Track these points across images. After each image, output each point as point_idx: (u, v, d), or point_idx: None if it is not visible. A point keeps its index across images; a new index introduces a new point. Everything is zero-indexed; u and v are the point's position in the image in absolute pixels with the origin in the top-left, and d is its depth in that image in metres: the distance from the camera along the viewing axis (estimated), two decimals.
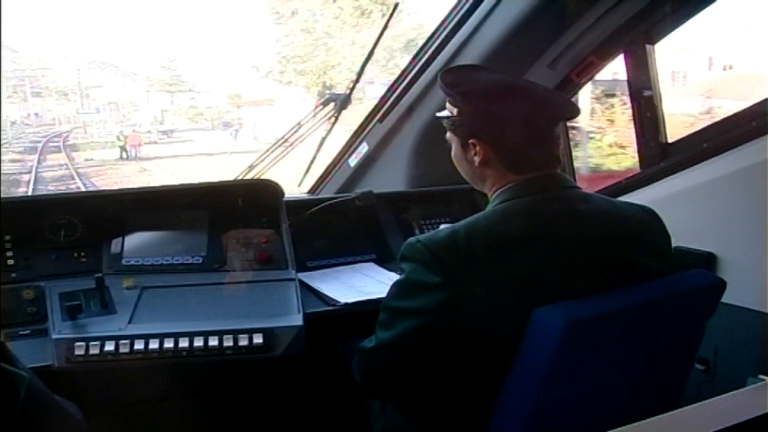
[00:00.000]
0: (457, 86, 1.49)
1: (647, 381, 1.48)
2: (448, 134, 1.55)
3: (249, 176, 2.60)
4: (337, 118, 2.67)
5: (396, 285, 1.44)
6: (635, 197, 2.21)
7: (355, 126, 2.78)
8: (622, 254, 1.41)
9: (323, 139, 2.75)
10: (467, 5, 2.26)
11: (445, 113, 1.53)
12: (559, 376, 1.30)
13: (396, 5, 2.32)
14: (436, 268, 1.32)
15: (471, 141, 1.45)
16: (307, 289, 2.13)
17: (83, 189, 12.33)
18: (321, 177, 2.88)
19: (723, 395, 0.83)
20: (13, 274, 2.05)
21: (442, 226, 1.71)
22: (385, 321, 1.44)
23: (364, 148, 2.74)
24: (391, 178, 2.72)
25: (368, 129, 2.70)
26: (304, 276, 2.21)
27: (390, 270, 2.30)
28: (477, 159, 1.46)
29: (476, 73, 1.58)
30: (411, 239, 1.41)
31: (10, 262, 2.06)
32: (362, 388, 1.55)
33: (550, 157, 1.45)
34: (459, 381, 1.40)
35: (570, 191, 1.46)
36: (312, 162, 2.82)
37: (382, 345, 1.44)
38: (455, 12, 2.31)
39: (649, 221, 1.51)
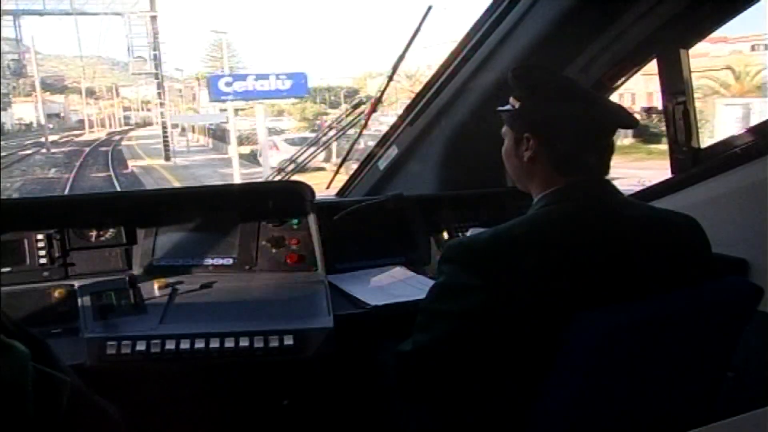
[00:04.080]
0: (526, 79, 1.51)
1: (681, 388, 1.46)
2: (504, 128, 1.56)
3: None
4: (367, 121, 2.68)
5: (435, 287, 1.43)
6: (667, 202, 2.19)
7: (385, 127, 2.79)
8: (663, 262, 1.40)
9: (353, 142, 2.76)
10: (500, 9, 2.25)
11: (506, 107, 1.54)
12: (597, 381, 1.29)
13: (429, 7, 2.31)
14: (477, 270, 1.32)
15: (525, 135, 1.46)
16: (336, 292, 2.13)
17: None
18: (350, 179, 2.88)
19: (748, 413, 0.82)
20: (45, 273, 2.09)
21: (472, 230, 1.71)
22: (422, 323, 1.42)
23: (393, 151, 2.73)
24: (421, 181, 2.71)
25: (398, 132, 2.71)
26: (333, 278, 2.22)
27: (420, 273, 2.29)
28: (527, 155, 1.46)
29: (549, 74, 1.58)
30: (452, 241, 1.41)
31: (43, 261, 2.10)
32: (400, 391, 1.55)
33: (600, 164, 1.45)
34: (497, 385, 1.39)
35: (614, 198, 1.45)
36: (342, 164, 2.83)
37: (419, 348, 1.41)
38: (488, 16, 2.29)
39: (691, 230, 1.50)
